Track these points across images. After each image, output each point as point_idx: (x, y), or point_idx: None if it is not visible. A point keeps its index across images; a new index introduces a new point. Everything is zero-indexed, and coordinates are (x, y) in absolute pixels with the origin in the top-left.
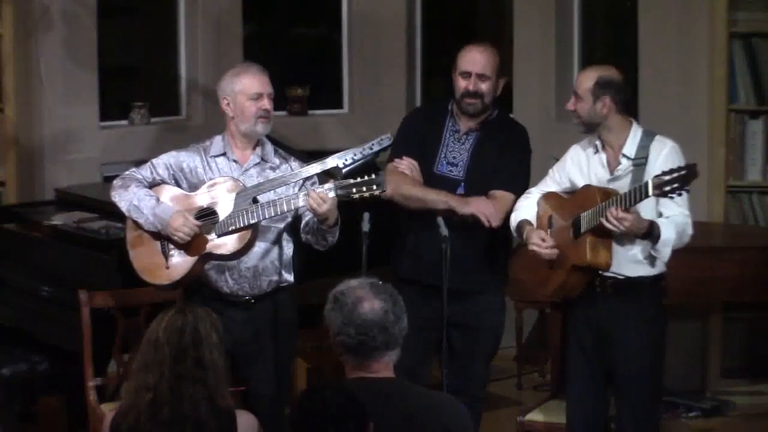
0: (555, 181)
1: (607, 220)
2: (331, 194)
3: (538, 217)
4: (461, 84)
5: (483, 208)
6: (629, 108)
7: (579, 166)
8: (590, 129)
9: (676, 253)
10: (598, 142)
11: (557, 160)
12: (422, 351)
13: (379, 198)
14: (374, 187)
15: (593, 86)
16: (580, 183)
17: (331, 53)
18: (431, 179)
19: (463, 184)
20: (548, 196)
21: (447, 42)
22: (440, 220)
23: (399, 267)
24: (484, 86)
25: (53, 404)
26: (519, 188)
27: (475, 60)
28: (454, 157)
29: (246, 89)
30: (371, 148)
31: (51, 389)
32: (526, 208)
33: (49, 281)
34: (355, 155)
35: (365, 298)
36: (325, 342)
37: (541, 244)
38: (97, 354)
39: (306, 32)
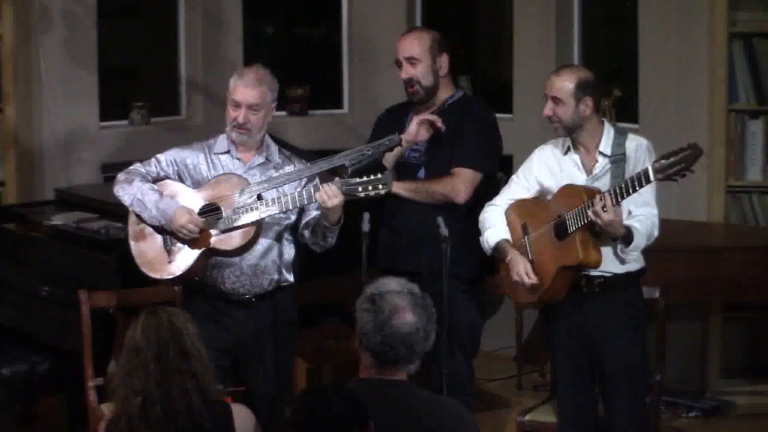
0: (522, 187)
1: (595, 210)
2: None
3: (511, 229)
4: (400, 75)
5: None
6: (629, 108)
7: (549, 170)
8: (571, 132)
9: (676, 253)
10: (569, 143)
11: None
12: None
13: (384, 196)
14: (380, 186)
15: (575, 88)
16: (554, 186)
17: (331, 53)
18: (396, 167)
19: (423, 167)
20: (517, 204)
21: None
22: (440, 220)
23: (377, 259)
24: (414, 70)
25: (53, 404)
26: (480, 164)
27: (400, 46)
28: (416, 144)
29: (231, 93)
30: (378, 148)
31: (51, 389)
32: (498, 223)
33: (49, 281)
34: (361, 154)
35: (402, 309)
36: (324, 342)
37: (525, 278)
38: (97, 354)
39: (306, 32)
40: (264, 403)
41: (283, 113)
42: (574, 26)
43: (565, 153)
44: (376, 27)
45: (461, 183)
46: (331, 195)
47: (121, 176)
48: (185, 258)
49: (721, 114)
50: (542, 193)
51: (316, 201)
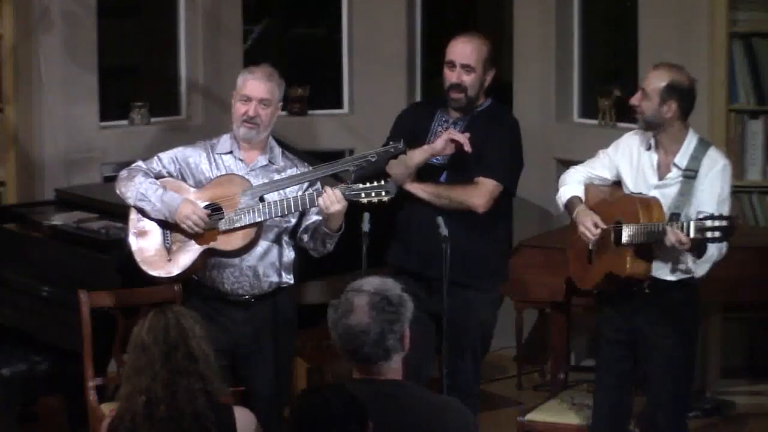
0: (604, 165)
1: (671, 243)
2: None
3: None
4: (446, 75)
5: (440, 143)
6: (629, 108)
7: (630, 158)
8: (649, 128)
9: None
10: (652, 141)
11: (558, 161)
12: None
13: (387, 203)
14: (383, 193)
15: (663, 88)
16: (627, 176)
17: (331, 53)
18: (418, 168)
19: (445, 171)
20: (591, 190)
21: (447, 42)
22: (440, 220)
23: (389, 253)
24: (467, 78)
25: (53, 404)
26: (503, 175)
27: (459, 50)
28: None
29: (240, 89)
30: (382, 154)
31: (51, 389)
32: (575, 183)
33: (49, 281)
34: (365, 160)
35: (358, 309)
36: (324, 342)
37: (593, 230)
38: (97, 354)
39: (306, 32)
40: (263, 403)
41: (283, 113)
42: (574, 26)
43: (647, 149)
44: (376, 27)
45: (483, 193)
46: (333, 200)
47: (123, 173)
48: (184, 257)
49: (721, 114)
50: (619, 177)
51: (318, 205)
